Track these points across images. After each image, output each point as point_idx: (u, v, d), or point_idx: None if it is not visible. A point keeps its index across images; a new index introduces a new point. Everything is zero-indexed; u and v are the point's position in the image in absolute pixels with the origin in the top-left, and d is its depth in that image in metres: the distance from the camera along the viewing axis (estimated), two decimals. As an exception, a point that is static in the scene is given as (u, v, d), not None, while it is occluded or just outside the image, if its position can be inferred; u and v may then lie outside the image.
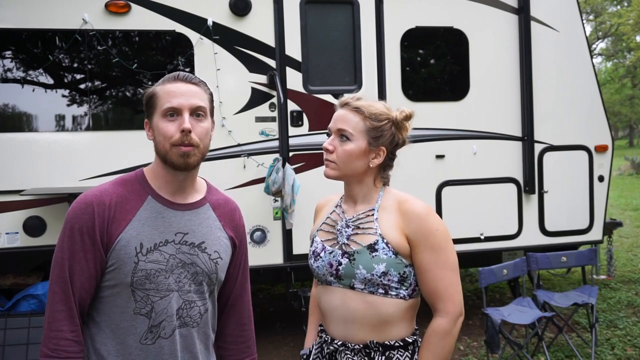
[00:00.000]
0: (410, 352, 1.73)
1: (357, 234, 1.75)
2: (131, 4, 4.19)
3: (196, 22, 4.30)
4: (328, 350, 1.78)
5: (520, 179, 4.93)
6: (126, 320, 1.55)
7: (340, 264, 1.74)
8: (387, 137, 1.77)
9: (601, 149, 5.09)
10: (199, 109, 1.58)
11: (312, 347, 1.89)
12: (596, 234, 5.11)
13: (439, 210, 4.74)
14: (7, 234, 4.00)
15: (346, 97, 1.81)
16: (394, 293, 1.70)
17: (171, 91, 1.57)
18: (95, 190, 1.59)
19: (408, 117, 1.81)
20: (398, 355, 1.71)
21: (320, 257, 1.79)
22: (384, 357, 1.70)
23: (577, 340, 4.69)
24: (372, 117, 1.75)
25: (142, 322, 1.56)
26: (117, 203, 1.57)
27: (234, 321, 1.80)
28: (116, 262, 1.54)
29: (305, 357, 1.90)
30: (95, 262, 1.54)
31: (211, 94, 1.67)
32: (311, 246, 1.86)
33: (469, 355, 4.51)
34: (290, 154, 4.41)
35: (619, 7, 32.16)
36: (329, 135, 1.81)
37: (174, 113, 1.56)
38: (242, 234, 1.79)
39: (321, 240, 1.83)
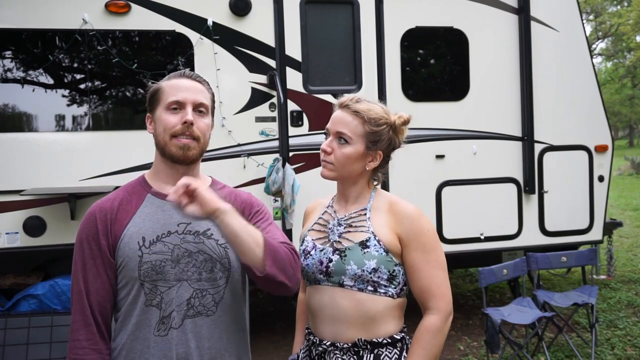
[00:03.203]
0: (398, 349, 1.73)
1: (349, 231, 1.77)
2: (131, 4, 4.19)
3: (196, 22, 4.30)
4: (317, 352, 1.77)
5: (520, 179, 4.93)
6: (140, 314, 1.59)
7: (330, 260, 1.75)
8: (385, 142, 1.78)
9: (601, 149, 5.09)
10: (201, 105, 1.65)
11: (300, 351, 1.89)
12: (596, 234, 5.11)
13: (439, 210, 4.74)
14: (7, 234, 3.99)
15: (345, 98, 1.81)
16: (382, 291, 1.72)
17: (176, 85, 1.65)
18: (99, 200, 1.68)
19: (406, 122, 1.82)
20: (387, 353, 1.71)
21: (311, 255, 1.80)
22: (372, 355, 1.70)
23: (577, 340, 4.69)
24: (371, 122, 1.75)
25: (154, 313, 1.59)
26: (119, 205, 1.64)
27: None
28: (123, 260, 1.59)
29: None
30: (105, 267, 1.61)
31: (213, 95, 1.73)
32: (301, 245, 1.87)
33: (469, 355, 4.50)
34: (290, 154, 4.41)
35: (619, 7, 32.16)
36: (326, 135, 1.82)
37: (177, 107, 1.63)
38: (253, 208, 1.73)
39: (312, 239, 1.84)
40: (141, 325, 1.59)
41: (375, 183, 1.87)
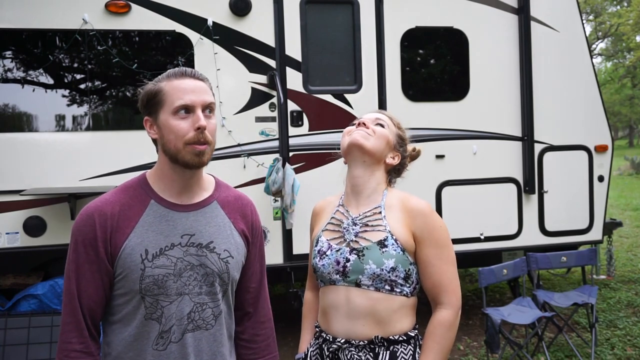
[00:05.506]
0: (412, 345, 1.76)
1: (365, 231, 1.78)
2: (131, 4, 4.19)
3: (196, 22, 4.30)
4: (331, 349, 1.78)
5: (520, 179, 4.93)
6: (139, 326, 1.54)
7: (348, 260, 1.76)
8: (404, 150, 1.92)
9: (601, 149, 5.09)
10: (209, 105, 1.57)
11: (308, 350, 1.89)
12: (596, 234, 5.11)
13: (439, 210, 4.73)
14: (7, 234, 3.99)
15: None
16: (398, 290, 1.74)
17: (181, 88, 1.54)
18: (98, 200, 1.57)
19: (414, 152, 1.97)
20: (402, 350, 1.74)
21: (327, 256, 1.81)
22: (388, 352, 1.72)
23: (577, 340, 4.69)
24: (399, 127, 1.94)
25: (154, 327, 1.55)
26: (120, 211, 1.55)
27: (252, 319, 1.77)
28: (124, 271, 1.53)
29: None
30: (101, 273, 1.53)
31: (212, 89, 1.66)
32: (316, 246, 1.87)
33: (469, 355, 4.51)
34: (290, 154, 4.41)
35: (619, 7, 32.17)
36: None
37: (186, 110, 1.53)
38: (256, 230, 1.75)
39: (327, 240, 1.85)
40: (139, 337, 1.55)
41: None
